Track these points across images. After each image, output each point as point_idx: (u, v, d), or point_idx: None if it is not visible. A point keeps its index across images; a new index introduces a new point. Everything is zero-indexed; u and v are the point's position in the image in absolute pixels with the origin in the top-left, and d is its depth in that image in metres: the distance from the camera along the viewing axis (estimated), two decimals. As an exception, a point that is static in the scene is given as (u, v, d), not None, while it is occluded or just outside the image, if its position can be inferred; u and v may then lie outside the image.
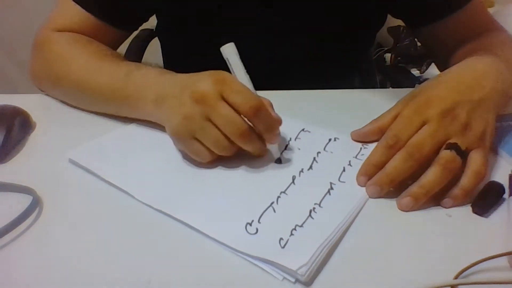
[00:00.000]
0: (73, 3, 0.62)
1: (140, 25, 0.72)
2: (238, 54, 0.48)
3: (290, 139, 0.52)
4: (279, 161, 0.48)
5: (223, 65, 0.49)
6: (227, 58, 0.48)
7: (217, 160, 0.47)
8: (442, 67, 0.71)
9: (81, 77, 0.57)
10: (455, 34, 0.66)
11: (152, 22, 0.75)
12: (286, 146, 0.51)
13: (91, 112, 0.59)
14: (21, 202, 0.41)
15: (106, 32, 0.65)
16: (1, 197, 0.44)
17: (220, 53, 0.49)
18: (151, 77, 0.52)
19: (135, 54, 0.98)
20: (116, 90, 0.54)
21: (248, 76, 0.48)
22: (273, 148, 0.48)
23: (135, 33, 1.01)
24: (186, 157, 0.48)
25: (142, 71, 0.53)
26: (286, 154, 0.50)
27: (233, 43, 0.48)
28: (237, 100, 0.43)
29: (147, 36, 1.01)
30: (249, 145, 0.45)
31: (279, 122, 0.47)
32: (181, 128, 0.45)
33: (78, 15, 0.63)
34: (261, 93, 0.50)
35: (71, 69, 0.58)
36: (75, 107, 0.60)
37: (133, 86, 0.52)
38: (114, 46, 0.69)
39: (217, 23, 0.67)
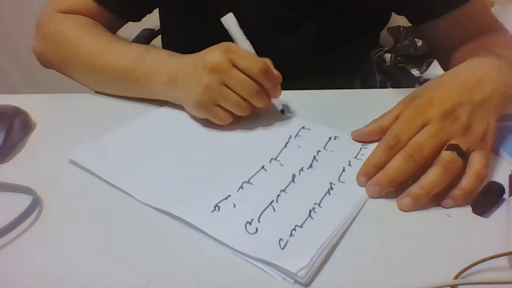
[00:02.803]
0: None
1: (143, 16, 0.72)
2: (237, 24, 0.52)
3: (290, 136, 0.52)
4: (282, 112, 0.56)
5: None
6: (228, 29, 0.53)
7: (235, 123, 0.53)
8: (444, 65, 0.72)
9: (90, 59, 0.59)
10: (457, 32, 0.66)
11: (153, 22, 0.75)
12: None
13: (92, 111, 0.59)
14: (21, 202, 0.41)
15: (104, 17, 0.66)
16: (1, 197, 0.44)
17: None
18: (162, 59, 0.56)
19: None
20: (128, 71, 0.57)
21: (248, 41, 0.53)
22: (276, 102, 0.56)
23: (136, 33, 1.02)
24: (187, 156, 0.49)
25: (152, 53, 0.57)
26: (285, 152, 0.50)
27: (232, 14, 0.52)
28: (247, 65, 0.49)
29: (148, 36, 1.01)
30: (262, 102, 0.52)
31: (280, 78, 0.52)
32: (203, 98, 0.50)
33: None
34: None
35: (80, 51, 0.60)
36: (75, 107, 0.60)
37: (144, 67, 0.56)
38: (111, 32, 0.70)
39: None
